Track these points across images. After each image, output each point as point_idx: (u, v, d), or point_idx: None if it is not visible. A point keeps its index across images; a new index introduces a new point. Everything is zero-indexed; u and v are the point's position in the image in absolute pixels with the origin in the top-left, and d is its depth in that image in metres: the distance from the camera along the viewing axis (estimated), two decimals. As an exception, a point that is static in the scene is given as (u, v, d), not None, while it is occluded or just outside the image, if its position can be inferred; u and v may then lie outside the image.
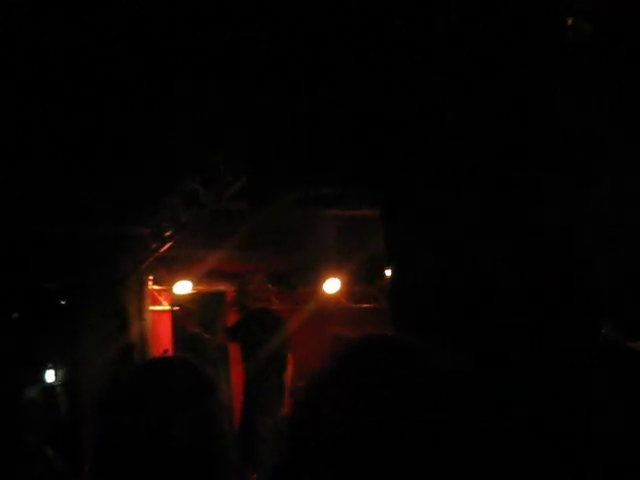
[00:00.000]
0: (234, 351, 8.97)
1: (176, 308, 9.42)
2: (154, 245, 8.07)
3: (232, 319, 9.45)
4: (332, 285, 10.68)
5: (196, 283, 9.64)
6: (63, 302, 9.06)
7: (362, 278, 10.71)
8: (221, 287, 10.08)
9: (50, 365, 9.55)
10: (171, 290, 9.47)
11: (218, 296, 9.68)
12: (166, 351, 8.82)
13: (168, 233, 7.67)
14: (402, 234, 4.07)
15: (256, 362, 7.84)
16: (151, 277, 9.38)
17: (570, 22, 3.37)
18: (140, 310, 9.08)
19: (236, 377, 9.19)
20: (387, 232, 4.10)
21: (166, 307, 9.44)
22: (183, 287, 9.40)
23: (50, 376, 9.56)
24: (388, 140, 3.77)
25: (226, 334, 8.70)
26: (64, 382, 9.29)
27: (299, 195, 3.45)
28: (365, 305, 10.97)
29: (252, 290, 8.45)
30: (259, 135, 3.48)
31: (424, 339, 3.96)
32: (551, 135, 3.26)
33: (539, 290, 3.40)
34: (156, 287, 9.54)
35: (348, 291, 11.01)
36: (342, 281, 10.68)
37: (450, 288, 3.74)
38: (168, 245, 7.87)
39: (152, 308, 9.36)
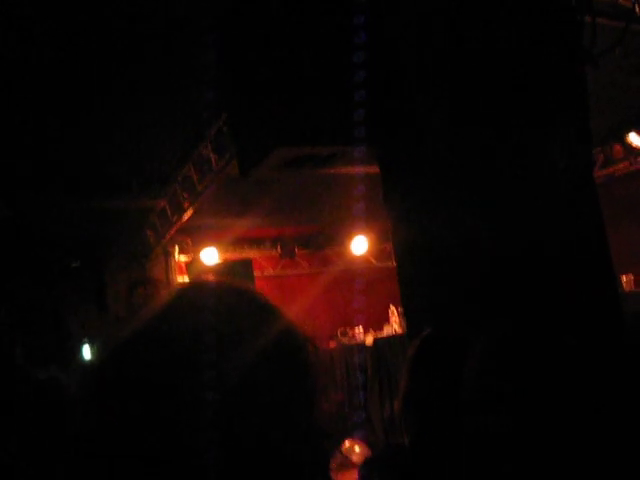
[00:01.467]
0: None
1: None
2: (174, 217, 8.08)
3: (259, 286, 9.46)
4: (359, 244, 10.63)
5: (222, 252, 9.65)
6: (91, 278, 9.16)
7: (389, 236, 10.63)
8: (247, 254, 10.09)
9: (85, 341, 9.66)
10: (198, 260, 9.48)
11: (245, 264, 9.68)
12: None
13: (186, 204, 7.67)
14: (400, 194, 3.99)
15: None
16: (177, 248, 9.41)
17: None
18: (168, 281, 9.15)
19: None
20: (385, 192, 4.02)
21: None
22: (209, 256, 9.41)
23: (87, 352, 9.68)
24: (386, 97, 3.68)
25: None
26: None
27: (290, 156, 3.36)
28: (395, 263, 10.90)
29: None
30: (244, 95, 3.41)
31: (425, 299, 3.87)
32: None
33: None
34: (183, 258, 9.57)
35: (376, 250, 10.95)
36: (369, 240, 10.63)
37: (449, 251, 3.67)
38: (188, 215, 7.86)
39: (180, 279, 9.42)
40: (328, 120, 3.11)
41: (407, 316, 4.31)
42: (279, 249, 10.33)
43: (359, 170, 5.55)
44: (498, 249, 3.44)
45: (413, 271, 3.91)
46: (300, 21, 3.14)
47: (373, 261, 10.96)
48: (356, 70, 3.28)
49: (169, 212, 8.14)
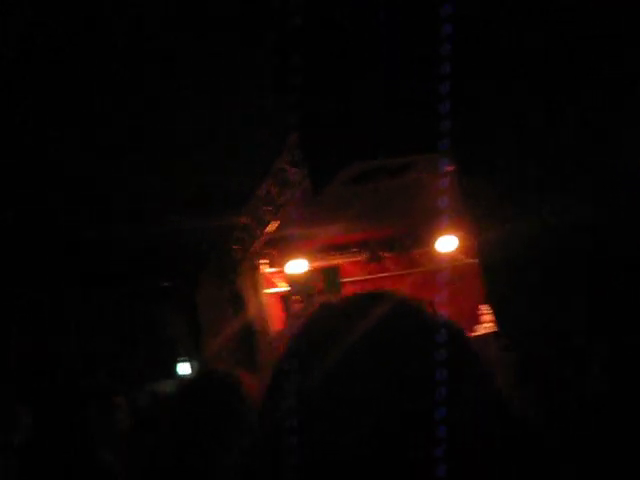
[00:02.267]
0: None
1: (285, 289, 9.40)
2: (258, 231, 8.17)
3: (346, 291, 9.46)
4: (447, 243, 10.43)
5: (308, 260, 9.66)
6: (182, 296, 9.34)
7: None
8: (335, 261, 10.08)
9: (182, 359, 9.86)
10: (285, 271, 9.53)
11: (332, 270, 9.68)
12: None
13: (269, 217, 7.74)
14: (480, 189, 3.90)
15: None
16: (264, 261, 9.47)
17: None
18: (257, 295, 9.24)
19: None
20: (463, 187, 3.92)
21: (282, 289, 9.50)
22: (296, 266, 9.43)
23: (184, 369, 9.87)
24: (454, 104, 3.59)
25: None
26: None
27: (362, 170, 3.33)
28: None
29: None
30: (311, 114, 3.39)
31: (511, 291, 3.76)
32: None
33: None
34: (270, 270, 9.63)
35: (465, 246, 10.74)
36: (457, 237, 10.42)
37: (535, 242, 3.56)
38: (272, 228, 7.93)
39: (268, 291, 9.47)
40: (398, 132, 3.05)
41: (498, 315, 4.20)
42: (365, 253, 10.28)
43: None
44: (593, 251, 3.30)
45: (499, 269, 3.80)
46: (369, 34, 3.10)
47: (462, 258, 10.75)
48: (427, 81, 3.21)
49: (253, 226, 8.22)
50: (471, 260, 10.70)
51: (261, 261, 9.41)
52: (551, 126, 3.11)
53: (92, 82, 5.26)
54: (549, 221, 3.29)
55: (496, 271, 4.03)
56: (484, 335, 8.00)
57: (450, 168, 4.31)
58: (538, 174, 3.32)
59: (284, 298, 9.47)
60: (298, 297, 8.48)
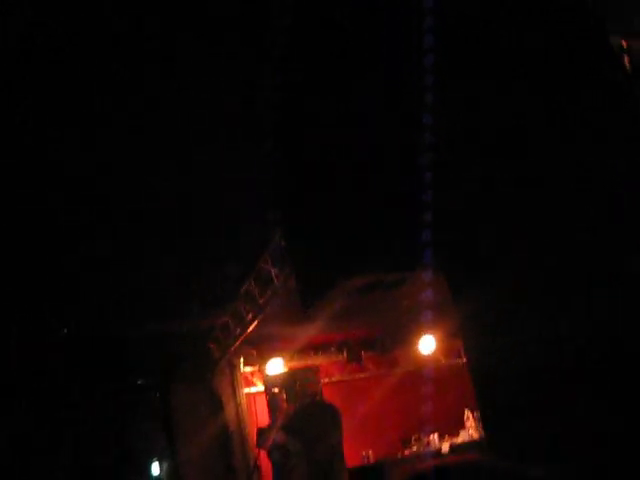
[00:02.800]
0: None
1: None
2: (238, 330, 8.06)
3: (326, 392, 9.30)
4: (427, 343, 10.36)
5: (288, 360, 9.52)
6: (157, 395, 9.13)
7: (457, 333, 10.37)
8: (313, 361, 9.93)
9: (154, 458, 9.57)
10: (264, 370, 9.37)
11: (311, 371, 9.52)
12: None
13: (249, 317, 7.64)
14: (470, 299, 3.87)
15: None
16: (242, 360, 9.31)
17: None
18: (234, 394, 9.05)
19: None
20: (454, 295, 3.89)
21: (260, 388, 9.32)
22: (275, 366, 9.28)
23: (155, 469, 9.58)
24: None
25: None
26: (169, 474, 9.30)
27: (354, 285, 3.31)
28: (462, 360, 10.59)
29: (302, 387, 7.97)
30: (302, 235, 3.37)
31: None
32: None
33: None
34: (248, 369, 9.46)
35: (444, 347, 10.67)
36: (437, 338, 10.35)
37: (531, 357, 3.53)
38: (251, 328, 7.82)
39: (246, 390, 9.29)
40: (392, 248, 3.03)
41: (485, 422, 4.10)
42: (345, 354, 10.14)
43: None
44: (580, 351, 3.26)
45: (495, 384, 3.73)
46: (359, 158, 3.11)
47: (442, 359, 10.68)
48: (419, 204, 3.21)
49: (232, 326, 8.11)
50: (450, 361, 10.64)
51: (240, 360, 9.24)
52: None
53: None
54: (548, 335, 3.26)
55: (489, 383, 3.94)
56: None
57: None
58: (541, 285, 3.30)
59: (266, 397, 9.25)
60: (283, 396, 8.27)
